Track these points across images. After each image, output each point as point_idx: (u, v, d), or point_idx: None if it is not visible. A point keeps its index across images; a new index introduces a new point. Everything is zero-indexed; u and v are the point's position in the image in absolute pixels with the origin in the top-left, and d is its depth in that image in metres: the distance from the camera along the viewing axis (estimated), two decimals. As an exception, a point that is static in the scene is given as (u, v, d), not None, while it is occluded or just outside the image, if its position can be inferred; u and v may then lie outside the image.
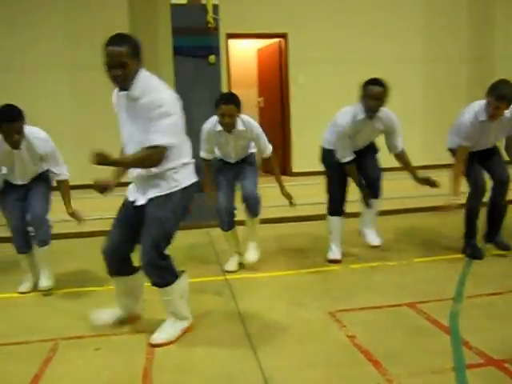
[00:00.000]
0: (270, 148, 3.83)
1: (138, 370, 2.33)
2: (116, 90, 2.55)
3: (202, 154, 3.83)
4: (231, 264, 3.90)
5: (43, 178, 3.57)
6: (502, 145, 4.04)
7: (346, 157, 3.78)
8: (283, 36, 7.30)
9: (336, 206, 3.98)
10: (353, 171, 3.83)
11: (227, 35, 6.94)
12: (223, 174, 3.87)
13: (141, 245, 2.56)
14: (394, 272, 3.73)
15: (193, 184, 2.65)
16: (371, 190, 3.95)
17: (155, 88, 2.48)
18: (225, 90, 6.33)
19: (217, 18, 5.62)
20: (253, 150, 3.92)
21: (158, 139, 2.40)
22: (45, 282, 3.54)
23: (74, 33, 6.63)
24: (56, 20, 6.70)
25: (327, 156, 3.98)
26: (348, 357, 2.39)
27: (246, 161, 3.91)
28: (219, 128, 3.61)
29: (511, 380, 2.12)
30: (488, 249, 4.03)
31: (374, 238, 4.03)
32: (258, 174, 3.95)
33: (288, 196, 3.95)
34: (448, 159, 4.07)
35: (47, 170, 3.55)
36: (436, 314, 2.84)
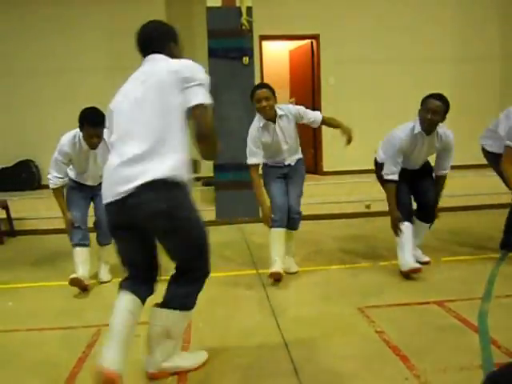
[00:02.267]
0: (318, 113, 3.78)
1: (175, 356, 2.44)
2: None
3: (252, 160, 3.67)
4: (277, 265, 3.59)
5: None
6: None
7: (391, 174, 3.66)
8: (315, 37, 7.37)
9: (406, 214, 3.74)
10: (392, 191, 3.68)
11: (260, 37, 7.05)
12: (274, 178, 3.75)
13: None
14: (423, 270, 3.70)
15: None
16: (424, 215, 3.86)
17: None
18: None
19: (250, 21, 5.73)
20: (300, 155, 3.85)
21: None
22: (105, 276, 3.82)
23: (113, 37, 6.90)
24: (98, 24, 7.00)
25: (381, 170, 3.83)
26: (376, 352, 2.44)
27: (297, 168, 3.80)
28: (262, 122, 3.63)
29: (539, 379, 2.15)
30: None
31: (421, 257, 3.93)
32: (304, 185, 3.84)
33: (348, 133, 3.64)
34: (479, 159, 4.06)
35: None
36: (464, 312, 2.86)
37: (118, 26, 6.84)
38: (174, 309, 2.24)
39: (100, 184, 3.47)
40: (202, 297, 3.27)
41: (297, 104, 7.96)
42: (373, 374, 2.23)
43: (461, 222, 5.18)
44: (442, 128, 3.64)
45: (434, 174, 3.85)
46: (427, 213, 3.84)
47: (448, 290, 3.29)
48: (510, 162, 3.75)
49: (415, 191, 3.83)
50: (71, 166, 3.69)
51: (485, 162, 4.20)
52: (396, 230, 3.68)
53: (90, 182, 3.75)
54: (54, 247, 4.97)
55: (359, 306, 3.04)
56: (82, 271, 3.60)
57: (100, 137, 3.46)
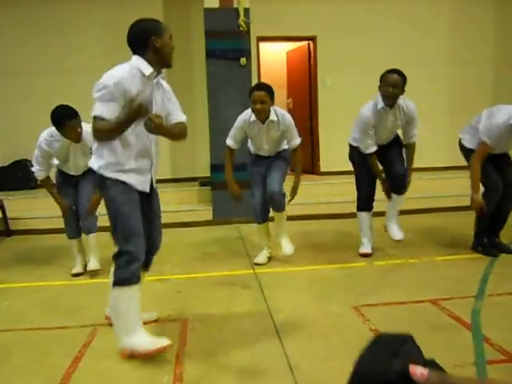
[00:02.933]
0: (298, 141, 3.90)
1: (171, 355, 2.44)
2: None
3: (229, 142, 3.90)
4: (261, 257, 4.06)
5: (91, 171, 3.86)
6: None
7: (369, 147, 3.91)
8: (312, 39, 7.41)
9: (364, 202, 4.10)
10: (374, 161, 3.95)
11: (258, 38, 7.08)
12: (257, 169, 3.99)
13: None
14: (418, 269, 3.79)
15: None
16: (396, 186, 4.01)
17: None
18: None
19: (248, 22, 5.75)
20: (286, 146, 3.98)
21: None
22: (92, 264, 3.93)
23: (111, 37, 6.89)
24: (94, 24, 7.01)
25: (354, 153, 4.10)
26: (372, 350, 2.47)
27: (279, 156, 3.97)
28: (253, 118, 3.73)
29: (531, 376, 2.17)
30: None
31: (395, 233, 4.11)
32: (288, 170, 4.03)
33: (293, 192, 3.93)
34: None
35: None
36: (458, 310, 2.89)
37: (115, 26, 6.84)
38: (112, 286, 2.43)
39: (84, 172, 3.83)
40: (198, 296, 3.33)
41: (294, 104, 8.11)
42: (367, 371, 2.25)
43: (456, 222, 5.22)
44: (403, 100, 3.81)
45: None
46: (398, 183, 3.98)
47: (442, 288, 3.31)
48: (480, 159, 3.81)
49: (386, 165, 4.03)
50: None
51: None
52: (388, 194, 4.06)
53: (72, 172, 3.92)
54: (49, 247, 4.99)
55: (355, 304, 3.06)
56: (81, 262, 3.97)
57: (80, 127, 3.64)
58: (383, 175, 4.02)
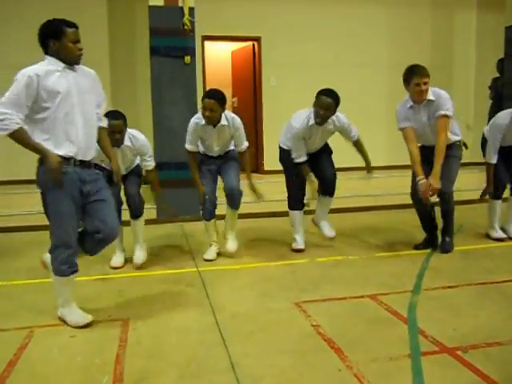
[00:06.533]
0: (245, 144, 4.05)
1: (111, 356, 2.40)
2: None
3: (188, 147, 3.99)
4: (210, 253, 4.09)
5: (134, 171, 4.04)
6: None
7: (299, 157, 4.06)
8: (257, 39, 7.49)
9: (295, 201, 4.26)
10: (305, 170, 4.08)
11: (203, 37, 7.06)
12: (207, 167, 4.05)
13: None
14: (358, 266, 3.90)
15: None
16: (326, 189, 4.25)
17: None
18: (200, 89, 6.46)
19: (193, 21, 5.72)
20: (233, 147, 4.11)
21: None
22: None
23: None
24: (33, 18, 6.69)
25: (284, 156, 4.24)
26: (312, 345, 2.51)
27: (228, 155, 4.09)
28: (203, 122, 3.79)
29: (462, 366, 2.26)
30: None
31: (327, 231, 4.35)
32: (240, 168, 4.13)
33: (255, 190, 4.11)
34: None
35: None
36: (395, 305, 2.99)
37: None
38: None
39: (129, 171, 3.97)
40: (140, 295, 3.27)
41: (239, 103, 8.14)
42: (308, 366, 2.29)
43: (395, 220, 5.41)
44: (335, 115, 3.99)
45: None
46: (328, 186, 4.25)
47: (381, 284, 3.42)
48: (412, 142, 3.95)
49: (316, 170, 4.20)
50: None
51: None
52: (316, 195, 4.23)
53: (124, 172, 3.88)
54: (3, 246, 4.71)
55: (296, 300, 3.11)
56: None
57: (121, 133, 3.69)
58: (312, 178, 4.13)
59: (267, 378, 2.19)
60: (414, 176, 3.95)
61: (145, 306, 3.10)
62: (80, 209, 2.73)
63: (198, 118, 3.88)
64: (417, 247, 4.23)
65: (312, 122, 3.93)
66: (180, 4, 5.67)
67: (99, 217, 2.76)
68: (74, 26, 2.70)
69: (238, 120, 3.93)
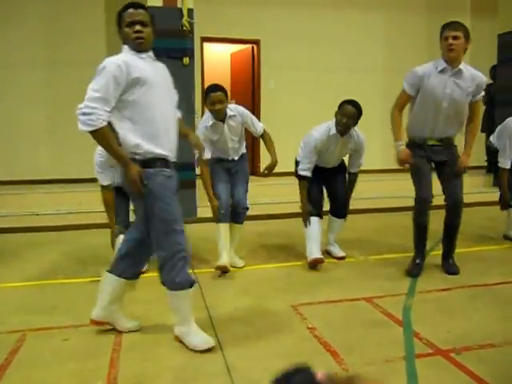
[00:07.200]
0: (261, 125, 3.96)
1: (105, 360, 2.38)
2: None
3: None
4: (224, 259, 3.76)
5: None
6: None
7: (305, 170, 3.95)
8: (256, 42, 7.50)
9: (315, 208, 4.03)
10: (304, 186, 3.97)
11: (202, 38, 7.06)
12: (219, 172, 3.91)
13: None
14: (354, 268, 3.90)
15: None
16: (337, 210, 4.18)
17: None
18: (198, 91, 6.48)
19: (192, 22, 5.71)
20: (244, 149, 4.05)
21: None
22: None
23: (52, 34, 6.67)
24: (34, 20, 6.72)
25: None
26: (308, 348, 2.51)
27: (241, 161, 4.00)
28: (212, 121, 3.75)
29: (455, 368, 2.28)
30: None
31: (338, 252, 4.23)
32: (249, 180, 4.06)
33: (270, 168, 3.87)
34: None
35: None
36: (390, 307, 3.00)
37: (57, 19, 6.64)
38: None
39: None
40: (134, 297, 3.25)
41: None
42: (304, 369, 2.29)
43: (390, 223, 5.42)
44: (356, 131, 3.96)
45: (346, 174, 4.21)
46: (339, 209, 4.17)
47: (376, 286, 3.43)
48: (399, 108, 3.70)
49: (328, 189, 4.16)
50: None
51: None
52: (306, 221, 3.99)
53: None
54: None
55: (292, 303, 3.10)
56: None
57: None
58: (308, 205, 3.99)
59: (263, 382, 2.18)
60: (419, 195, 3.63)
61: (140, 308, 3.08)
62: None
63: (204, 123, 3.80)
64: (411, 274, 3.67)
65: (333, 131, 3.86)
66: (179, 5, 5.67)
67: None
68: (130, 6, 2.48)
69: (241, 108, 3.88)
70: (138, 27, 2.45)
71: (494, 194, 4.97)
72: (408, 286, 3.43)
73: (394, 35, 7.96)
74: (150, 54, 2.57)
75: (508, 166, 4.40)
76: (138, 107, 2.40)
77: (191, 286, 2.52)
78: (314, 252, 3.87)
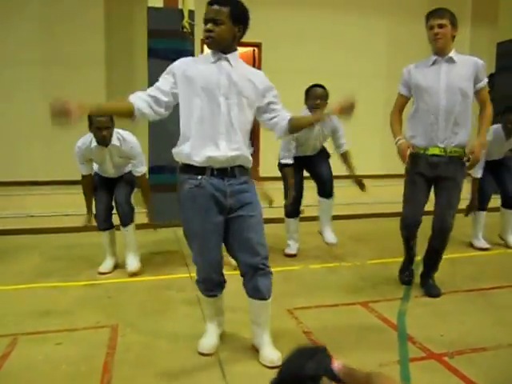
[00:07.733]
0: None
1: (98, 364, 2.37)
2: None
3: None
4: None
5: None
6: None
7: (286, 158, 4.08)
8: (257, 45, 7.51)
9: (292, 210, 4.27)
10: (289, 173, 4.08)
11: (202, 41, 7.03)
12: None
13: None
14: (350, 273, 3.89)
15: None
16: (323, 189, 4.30)
17: None
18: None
19: (193, 24, 5.72)
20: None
21: None
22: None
23: (51, 35, 6.66)
24: (32, 20, 6.72)
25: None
26: (303, 352, 2.52)
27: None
28: None
29: (449, 371, 2.29)
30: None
31: (329, 237, 4.35)
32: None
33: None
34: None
35: None
36: (386, 312, 3.00)
37: (55, 19, 6.64)
38: None
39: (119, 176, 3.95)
40: (130, 301, 3.25)
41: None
42: (299, 373, 2.28)
43: (386, 228, 5.39)
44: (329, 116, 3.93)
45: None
46: (326, 189, 4.30)
47: (372, 291, 3.43)
48: (398, 110, 3.57)
49: (313, 173, 4.30)
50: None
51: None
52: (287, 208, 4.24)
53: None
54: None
55: (288, 307, 3.10)
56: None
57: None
58: (293, 192, 4.07)
59: (259, 384, 2.19)
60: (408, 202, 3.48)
61: (134, 312, 3.07)
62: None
63: None
64: (404, 281, 3.59)
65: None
66: (180, 6, 5.67)
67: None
68: (209, 1, 2.29)
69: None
70: (208, 26, 2.31)
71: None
72: (403, 290, 3.43)
73: (396, 40, 7.96)
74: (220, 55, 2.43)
75: (479, 176, 4.37)
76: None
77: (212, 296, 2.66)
78: (291, 247, 4.33)
